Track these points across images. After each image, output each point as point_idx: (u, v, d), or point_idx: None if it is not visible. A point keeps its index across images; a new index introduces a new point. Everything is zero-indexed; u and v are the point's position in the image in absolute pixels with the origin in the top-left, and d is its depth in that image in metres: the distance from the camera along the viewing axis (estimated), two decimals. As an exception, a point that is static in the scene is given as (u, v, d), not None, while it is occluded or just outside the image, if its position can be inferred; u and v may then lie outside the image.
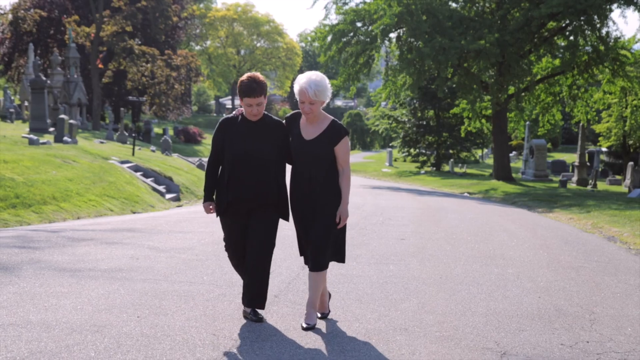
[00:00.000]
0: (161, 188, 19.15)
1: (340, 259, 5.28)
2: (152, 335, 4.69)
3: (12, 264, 6.92)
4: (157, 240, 9.10)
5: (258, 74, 5.08)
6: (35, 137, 20.28)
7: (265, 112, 5.20)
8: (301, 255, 5.32)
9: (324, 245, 5.05)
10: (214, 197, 5.28)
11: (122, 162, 20.41)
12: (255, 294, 5.14)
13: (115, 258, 7.54)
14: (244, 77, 5.04)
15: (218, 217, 5.31)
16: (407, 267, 7.78)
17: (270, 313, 5.42)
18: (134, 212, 15.16)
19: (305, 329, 5.01)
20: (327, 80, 5.12)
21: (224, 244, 5.41)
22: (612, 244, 11.05)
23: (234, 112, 5.30)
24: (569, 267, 8.28)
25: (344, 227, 5.23)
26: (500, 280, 7.25)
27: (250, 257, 5.12)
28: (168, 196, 18.81)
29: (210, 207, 5.25)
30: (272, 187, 5.16)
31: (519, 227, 12.79)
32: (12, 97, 44.03)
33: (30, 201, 12.74)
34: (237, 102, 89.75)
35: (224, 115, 5.23)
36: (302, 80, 5.06)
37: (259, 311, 5.26)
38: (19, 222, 11.48)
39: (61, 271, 6.66)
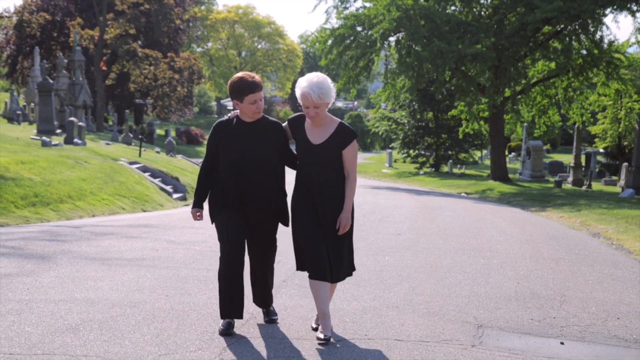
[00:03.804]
0: (168, 188, 19.92)
1: (349, 271, 5.09)
2: (181, 309, 5.51)
3: (47, 254, 7.74)
4: (173, 235, 9.92)
5: (248, 73, 4.91)
6: (47, 139, 21.09)
7: (262, 114, 5.03)
8: (298, 269, 5.07)
9: (341, 256, 4.89)
10: (207, 202, 5.07)
11: (131, 163, 21.21)
12: (260, 294, 5.20)
13: (137, 249, 8.36)
14: (236, 77, 4.85)
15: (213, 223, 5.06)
16: (402, 258, 8.58)
17: (280, 294, 6.21)
18: (145, 211, 15.93)
19: (322, 340, 4.79)
20: (329, 81, 4.88)
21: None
22: (595, 240, 11.82)
23: (228, 115, 5.08)
24: (549, 259, 9.07)
25: (350, 236, 4.99)
26: (484, 269, 8.05)
27: (252, 269, 5.08)
28: (175, 196, 19.58)
29: (198, 214, 5.03)
30: (271, 191, 4.96)
31: (509, 224, 13.57)
32: (18, 99, 44.85)
33: (48, 200, 13.51)
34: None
35: (227, 117, 4.94)
36: (304, 84, 4.81)
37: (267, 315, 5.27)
38: (39, 219, 12.24)
39: (92, 260, 7.49)
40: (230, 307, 4.86)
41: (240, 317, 4.91)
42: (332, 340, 4.86)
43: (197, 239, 9.62)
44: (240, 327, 5.08)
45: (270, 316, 5.25)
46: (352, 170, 4.94)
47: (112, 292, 5.99)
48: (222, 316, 4.91)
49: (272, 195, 4.96)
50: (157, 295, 5.95)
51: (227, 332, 4.88)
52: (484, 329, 5.40)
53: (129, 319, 5.13)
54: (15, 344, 4.43)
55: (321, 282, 4.79)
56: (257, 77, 4.87)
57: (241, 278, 4.88)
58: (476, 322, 5.58)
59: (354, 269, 5.12)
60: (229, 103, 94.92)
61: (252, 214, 4.95)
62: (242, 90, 4.80)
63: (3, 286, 6.02)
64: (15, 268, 6.85)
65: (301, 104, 4.84)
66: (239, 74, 4.89)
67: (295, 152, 5.08)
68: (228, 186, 4.90)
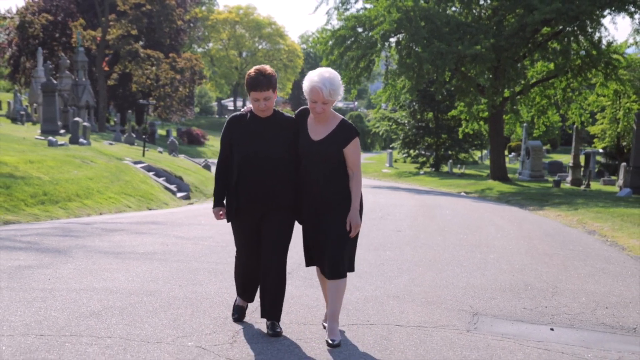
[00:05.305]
0: (172, 187, 20.26)
1: (350, 267, 4.91)
2: (194, 297, 5.86)
3: (62, 248, 8.08)
4: (181, 231, 10.26)
5: (267, 67, 4.75)
6: (54, 139, 21.44)
7: (277, 109, 4.90)
8: (308, 265, 5.04)
9: (339, 253, 4.73)
10: (224, 201, 4.96)
11: (136, 163, 21.55)
12: (269, 304, 4.89)
13: (148, 244, 8.71)
14: (252, 70, 4.74)
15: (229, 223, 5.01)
16: (402, 253, 8.92)
17: (287, 285, 6.53)
18: (150, 209, 16.27)
19: (330, 345, 4.69)
20: (339, 77, 4.76)
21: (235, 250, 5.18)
22: (590, 237, 12.15)
23: (242, 110, 5.00)
24: (544, 254, 9.41)
25: (356, 236, 4.84)
26: (481, 263, 8.40)
27: (263, 264, 4.88)
28: (179, 195, 19.92)
29: (220, 212, 4.92)
30: (285, 188, 4.82)
31: (507, 222, 13.91)
32: (21, 100, 45.19)
33: (57, 198, 13.84)
34: (239, 103, 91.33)
35: (241, 112, 4.98)
36: (315, 78, 4.67)
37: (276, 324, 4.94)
38: (49, 216, 12.57)
39: (106, 253, 7.83)
40: (245, 293, 5.23)
41: (252, 300, 5.28)
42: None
43: (205, 235, 9.96)
44: (250, 313, 5.42)
45: (274, 329, 4.90)
46: (357, 169, 4.80)
47: (128, 282, 6.34)
48: (238, 293, 5.26)
49: (285, 192, 4.81)
50: (171, 285, 6.30)
51: (239, 318, 5.25)
52: (478, 317, 5.74)
53: (147, 306, 5.48)
54: (45, 327, 4.78)
55: (337, 280, 4.74)
56: (269, 76, 4.69)
57: (257, 271, 4.98)
58: (472, 310, 5.92)
59: (352, 268, 4.93)
60: (229, 103, 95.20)
61: (265, 211, 4.83)
62: (247, 85, 4.74)
63: (26, 277, 6.37)
64: (34, 261, 7.20)
65: (309, 98, 4.72)
66: (258, 67, 4.76)
67: None
68: (241, 183, 4.78)
